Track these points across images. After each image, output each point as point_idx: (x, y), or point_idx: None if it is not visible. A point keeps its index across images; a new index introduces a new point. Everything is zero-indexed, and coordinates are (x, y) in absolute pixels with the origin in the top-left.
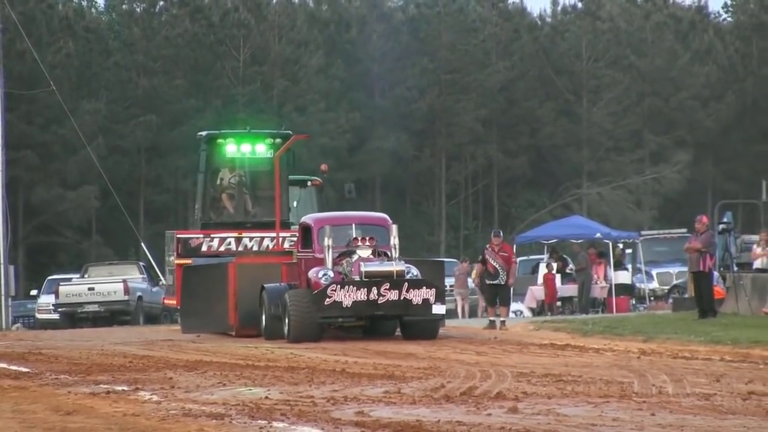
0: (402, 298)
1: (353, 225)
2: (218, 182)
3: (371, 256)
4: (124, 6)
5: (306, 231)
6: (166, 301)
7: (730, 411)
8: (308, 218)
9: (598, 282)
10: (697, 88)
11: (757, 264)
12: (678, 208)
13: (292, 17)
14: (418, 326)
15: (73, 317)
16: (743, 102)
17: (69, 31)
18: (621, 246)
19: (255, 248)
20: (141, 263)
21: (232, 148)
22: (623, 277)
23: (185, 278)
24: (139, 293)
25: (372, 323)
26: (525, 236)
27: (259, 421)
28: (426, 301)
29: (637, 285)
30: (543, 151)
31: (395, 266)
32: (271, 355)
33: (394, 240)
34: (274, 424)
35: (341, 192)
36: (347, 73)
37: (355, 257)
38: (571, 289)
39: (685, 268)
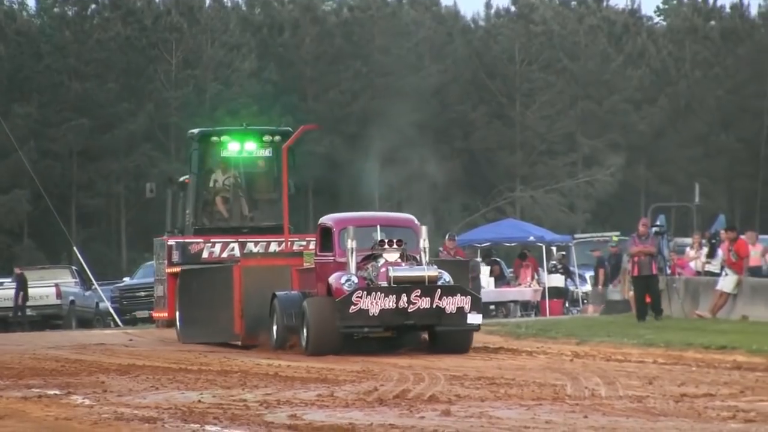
0: (434, 306)
1: (378, 226)
2: (211, 184)
3: (399, 260)
4: (55, 9)
5: (325, 233)
6: (155, 315)
7: (662, 413)
8: (328, 219)
9: (531, 285)
10: (630, 91)
11: (691, 267)
12: (611, 211)
13: (225, 21)
14: (451, 337)
15: (5, 321)
16: (676, 105)
17: (0, 34)
18: (554, 249)
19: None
20: (73, 267)
21: (228, 147)
22: (556, 280)
23: (183, 283)
24: (71, 297)
25: (399, 333)
26: (458, 239)
27: (192, 425)
28: (460, 309)
29: (570, 288)
30: (476, 154)
31: (427, 271)
32: (204, 359)
33: (424, 243)
34: (207, 427)
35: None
36: (280, 76)
37: (382, 261)
38: (504, 293)
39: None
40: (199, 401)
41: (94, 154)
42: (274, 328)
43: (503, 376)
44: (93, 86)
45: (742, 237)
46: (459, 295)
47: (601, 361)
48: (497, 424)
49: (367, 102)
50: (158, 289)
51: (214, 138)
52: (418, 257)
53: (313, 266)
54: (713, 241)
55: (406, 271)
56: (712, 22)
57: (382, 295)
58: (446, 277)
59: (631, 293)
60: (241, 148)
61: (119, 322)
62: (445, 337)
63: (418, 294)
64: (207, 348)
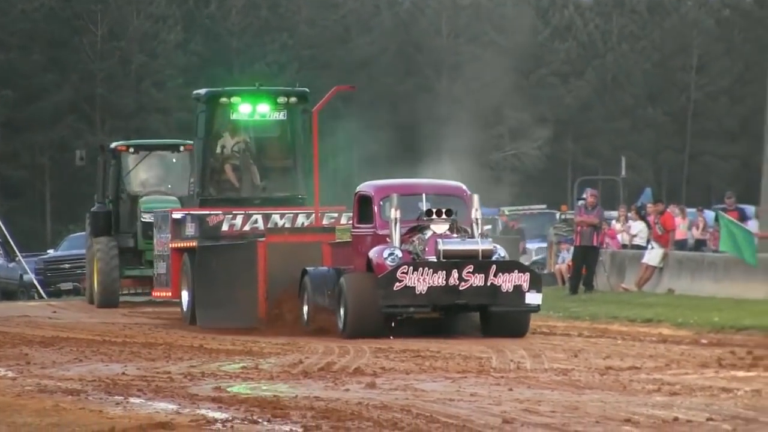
0: (489, 283)
1: (423, 195)
2: (218, 150)
3: (449, 233)
4: None
5: (363, 202)
6: (156, 294)
7: (587, 386)
8: (367, 186)
9: None
10: (557, 64)
11: (618, 240)
12: (538, 184)
13: None
14: (506, 319)
15: None
16: (603, 79)
17: None
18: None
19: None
20: None
21: (238, 109)
22: None
23: (201, 261)
24: None
25: (447, 315)
26: None
27: (116, 397)
28: (518, 288)
29: None
30: (403, 127)
31: (480, 245)
32: (129, 332)
33: (477, 213)
34: (131, 399)
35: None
36: (206, 48)
37: (429, 234)
38: None
39: (545, 244)
40: (123, 373)
41: (19, 125)
42: (305, 308)
43: (428, 349)
44: (17, 57)
45: (668, 210)
46: (516, 271)
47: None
48: (422, 397)
49: (294, 74)
50: (159, 266)
51: (224, 99)
52: (469, 229)
53: (347, 240)
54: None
55: (457, 245)
56: None
57: (431, 271)
58: (501, 251)
59: (558, 266)
60: (253, 111)
61: (43, 295)
62: (499, 319)
63: (471, 270)
64: (130, 319)
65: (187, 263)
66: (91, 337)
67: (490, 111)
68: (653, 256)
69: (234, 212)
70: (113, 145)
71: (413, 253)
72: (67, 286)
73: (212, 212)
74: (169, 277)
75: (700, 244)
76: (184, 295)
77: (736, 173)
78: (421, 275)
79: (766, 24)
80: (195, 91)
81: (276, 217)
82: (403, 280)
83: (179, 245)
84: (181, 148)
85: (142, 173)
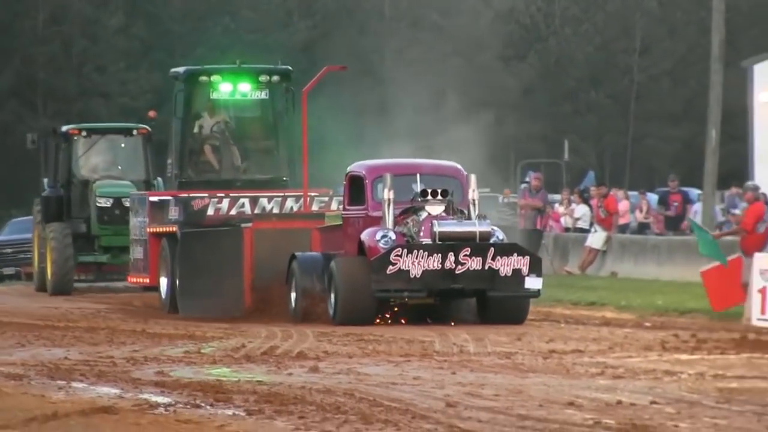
0: (486, 267)
1: (418, 175)
2: (196, 130)
3: (444, 214)
4: None
5: (355, 183)
6: (132, 279)
7: (531, 369)
8: (358, 166)
9: None
10: (500, 47)
11: (561, 223)
12: (480, 168)
13: None
14: (504, 305)
15: None
16: (546, 62)
17: None
18: None
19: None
20: None
21: (218, 87)
22: None
23: (184, 247)
24: None
25: (442, 300)
26: None
27: (59, 382)
28: (517, 272)
29: None
30: (346, 111)
31: (478, 227)
32: (71, 316)
33: (473, 194)
34: (74, 384)
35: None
36: (148, 33)
37: (424, 215)
38: None
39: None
40: (66, 358)
41: None
42: (293, 295)
43: (371, 333)
44: None
45: (612, 194)
46: (515, 254)
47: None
48: (365, 381)
49: (236, 58)
50: (136, 250)
51: (203, 77)
52: (465, 211)
53: (337, 224)
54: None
55: (453, 226)
56: None
57: (426, 253)
58: (499, 234)
59: None
60: (234, 89)
61: None
62: (497, 304)
63: (468, 253)
64: (73, 304)
65: (166, 248)
66: (33, 322)
67: (433, 95)
68: (596, 239)
69: (219, 195)
70: (65, 128)
71: (407, 236)
72: (9, 271)
73: (197, 195)
74: (146, 263)
75: (643, 227)
76: (163, 282)
77: (679, 156)
78: (416, 258)
79: (709, 5)
80: (173, 69)
81: (264, 201)
82: (396, 264)
83: (157, 230)
84: (134, 132)
85: (94, 157)
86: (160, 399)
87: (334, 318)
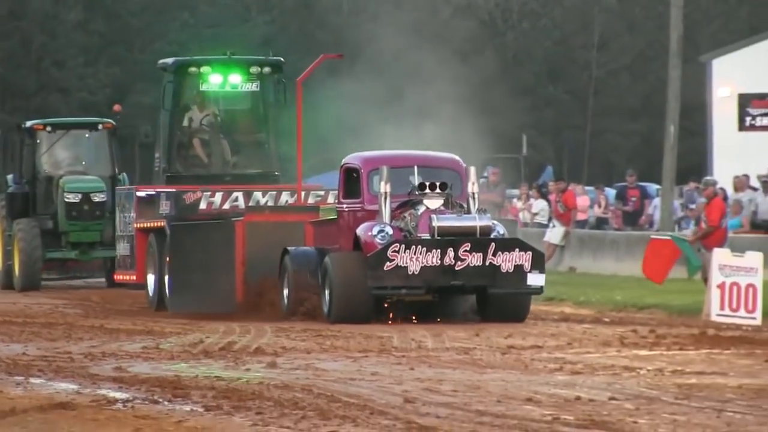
0: (487, 263)
1: (415, 167)
2: (186, 123)
3: (443, 208)
4: None
5: (350, 175)
6: (118, 277)
7: (489, 365)
8: (353, 158)
9: None
10: (459, 42)
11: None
12: None
13: None
14: (505, 302)
15: None
16: (504, 57)
17: None
18: None
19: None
20: None
21: (208, 79)
22: None
23: (174, 241)
24: None
25: (441, 297)
26: None
27: (16, 377)
28: (519, 267)
29: None
30: (305, 106)
31: (478, 221)
32: (29, 312)
33: (473, 187)
34: (32, 380)
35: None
36: (107, 27)
37: (422, 209)
38: None
39: None
40: (24, 354)
41: None
42: (285, 291)
43: (329, 328)
44: None
45: (570, 188)
46: (517, 250)
47: None
48: (323, 376)
49: (195, 53)
50: (122, 247)
51: (192, 69)
52: (464, 205)
53: (331, 218)
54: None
55: (452, 221)
56: None
57: (424, 249)
58: (500, 228)
59: None
60: (224, 81)
61: None
62: (498, 302)
63: (468, 249)
64: (32, 300)
65: (153, 244)
66: None
67: (391, 90)
68: (555, 234)
69: (213, 189)
70: (29, 123)
71: (405, 231)
72: None
73: (189, 189)
74: (133, 260)
75: (601, 223)
76: (150, 279)
77: (638, 151)
78: (414, 254)
79: (667, 1)
80: (161, 60)
81: (258, 195)
82: (394, 260)
83: (144, 225)
84: (100, 127)
85: (58, 152)
86: (118, 395)
87: (329, 316)
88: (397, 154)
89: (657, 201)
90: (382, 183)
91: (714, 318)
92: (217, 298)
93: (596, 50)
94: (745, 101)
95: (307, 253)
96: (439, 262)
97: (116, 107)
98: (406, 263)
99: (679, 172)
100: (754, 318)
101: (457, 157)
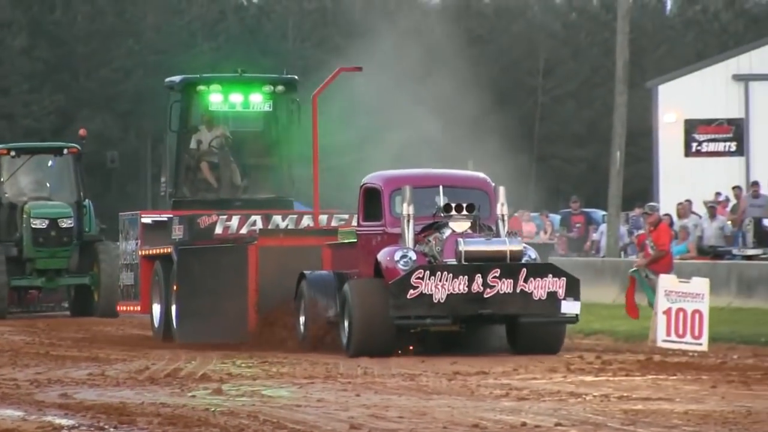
0: (518, 290)
1: (440, 187)
2: (194, 146)
3: (470, 231)
4: None
5: (370, 196)
6: (122, 308)
7: (435, 391)
8: (375, 178)
9: None
10: (405, 68)
11: None
12: None
13: None
14: (538, 332)
15: None
16: (451, 83)
17: None
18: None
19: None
20: None
21: (217, 99)
22: None
23: (182, 267)
24: None
25: (469, 327)
26: None
27: None
28: (552, 295)
29: None
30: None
31: (508, 245)
32: None
33: (503, 208)
34: None
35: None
36: (51, 54)
37: (448, 232)
38: None
39: None
40: None
41: None
42: (302, 319)
43: (275, 355)
44: None
45: (516, 214)
46: (550, 276)
47: None
48: (269, 403)
49: (140, 80)
50: (126, 276)
51: (201, 87)
52: (493, 227)
53: (351, 241)
54: None
55: (480, 245)
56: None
57: (450, 275)
58: (531, 252)
59: None
60: (235, 101)
61: None
62: (530, 331)
63: (497, 275)
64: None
65: (159, 272)
66: None
67: (337, 116)
68: None
69: (229, 213)
70: None
71: (429, 256)
72: None
73: (204, 213)
74: (137, 289)
75: (547, 249)
76: (156, 309)
77: (584, 177)
78: (439, 281)
79: (613, 27)
80: (168, 79)
81: (277, 219)
82: (418, 287)
83: (150, 252)
84: (65, 152)
85: (22, 178)
86: (64, 421)
87: (348, 349)
88: (420, 173)
89: (603, 227)
90: (405, 204)
91: (660, 344)
92: (227, 327)
93: (542, 76)
94: (691, 127)
95: (325, 278)
96: (466, 289)
97: (81, 132)
98: (431, 291)
99: (626, 198)
100: (700, 344)
101: (485, 176)
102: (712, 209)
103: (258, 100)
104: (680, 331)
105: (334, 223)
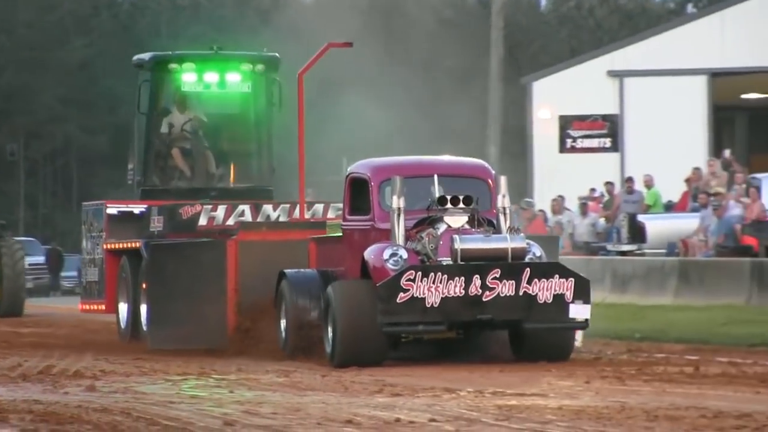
0: (521, 292)
1: (435, 177)
2: (165, 130)
3: (468, 227)
4: None
5: (357, 187)
6: (84, 307)
7: (309, 387)
8: (362, 167)
9: None
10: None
11: None
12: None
13: None
14: (544, 339)
15: None
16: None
17: None
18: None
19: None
20: None
21: (191, 78)
22: None
23: (154, 263)
24: None
25: (466, 334)
26: None
27: None
28: (559, 298)
29: None
30: (122, 129)
31: (509, 242)
32: None
33: (505, 200)
34: None
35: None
36: None
37: (443, 228)
38: None
39: None
40: None
41: None
42: (282, 323)
43: (147, 351)
44: None
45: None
46: (557, 276)
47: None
48: (142, 399)
49: (12, 76)
50: (89, 272)
51: (173, 65)
52: (494, 222)
53: (337, 235)
54: None
55: (479, 242)
56: None
57: (445, 277)
58: (536, 250)
59: None
60: (210, 81)
61: None
62: (535, 338)
63: (498, 276)
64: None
65: (126, 268)
66: None
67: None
68: None
69: (216, 203)
70: None
71: (422, 254)
72: None
73: (186, 203)
74: (102, 286)
75: None
76: (122, 309)
77: None
78: (433, 283)
79: (488, 23)
80: (137, 56)
81: (268, 208)
82: (409, 290)
83: (115, 246)
84: None
85: None
86: None
87: (332, 359)
88: (413, 160)
89: None
90: (395, 196)
91: None
92: (204, 331)
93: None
94: (565, 123)
95: (308, 277)
96: (462, 292)
97: None
98: (424, 294)
99: None
100: (576, 340)
101: (485, 164)
102: (584, 206)
103: (235, 80)
104: None
105: (330, 215)
